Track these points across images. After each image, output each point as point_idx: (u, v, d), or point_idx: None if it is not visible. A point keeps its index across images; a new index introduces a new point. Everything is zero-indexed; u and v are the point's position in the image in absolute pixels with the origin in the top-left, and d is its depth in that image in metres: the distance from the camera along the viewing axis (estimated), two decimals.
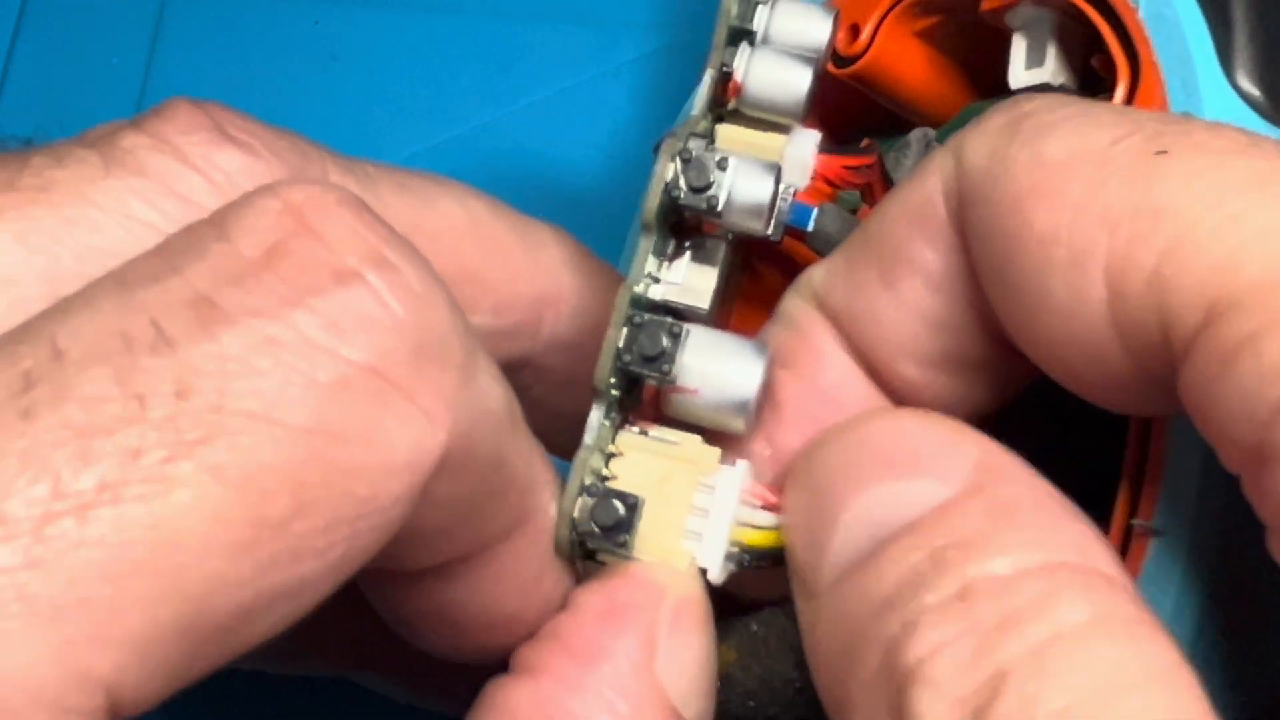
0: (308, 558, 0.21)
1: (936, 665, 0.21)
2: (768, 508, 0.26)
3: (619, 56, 0.49)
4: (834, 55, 0.34)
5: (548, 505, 0.26)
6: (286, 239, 0.22)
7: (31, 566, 0.19)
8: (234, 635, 0.21)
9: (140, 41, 0.49)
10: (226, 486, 0.20)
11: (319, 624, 0.34)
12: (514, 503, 0.26)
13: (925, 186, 0.25)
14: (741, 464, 0.26)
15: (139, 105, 0.48)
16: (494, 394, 0.24)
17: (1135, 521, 0.25)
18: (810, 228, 0.32)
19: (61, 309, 0.21)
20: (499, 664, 0.26)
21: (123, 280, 0.22)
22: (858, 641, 0.22)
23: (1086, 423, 0.26)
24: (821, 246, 0.32)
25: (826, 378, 0.27)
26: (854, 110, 0.35)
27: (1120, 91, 0.27)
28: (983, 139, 0.24)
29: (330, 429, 0.21)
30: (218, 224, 0.22)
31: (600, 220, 0.37)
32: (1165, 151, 0.22)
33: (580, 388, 0.27)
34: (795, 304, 0.27)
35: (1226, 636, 0.24)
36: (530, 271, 0.31)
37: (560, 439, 0.27)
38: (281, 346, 0.21)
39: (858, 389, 0.27)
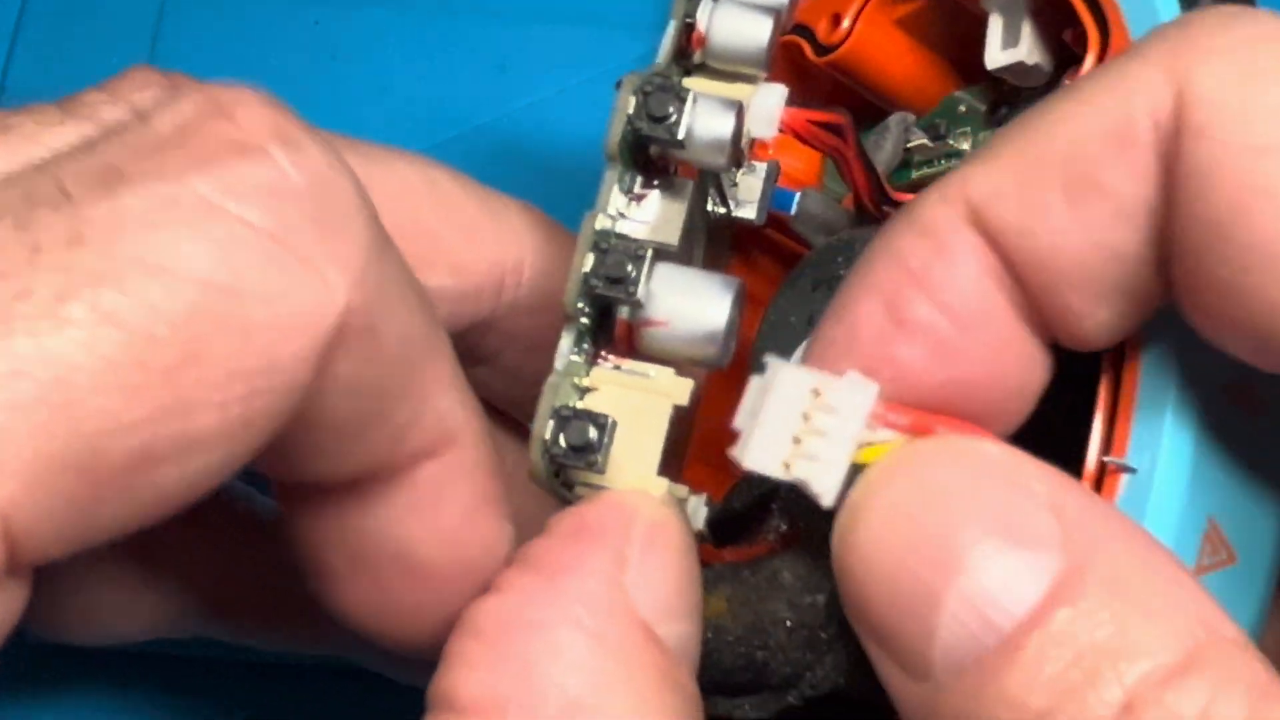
0: (203, 411, 0.22)
1: None
2: (890, 428, 0.24)
3: (619, 56, 0.49)
4: (815, 43, 0.34)
5: (472, 443, 0.26)
6: (199, 120, 0.23)
7: None
8: (132, 484, 0.21)
9: (140, 41, 0.49)
10: (117, 328, 0.21)
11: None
12: (430, 419, 0.26)
13: (1127, 105, 0.23)
14: (872, 388, 0.24)
15: None
16: (405, 286, 0.25)
17: (1108, 459, 0.24)
18: (793, 211, 0.32)
19: None
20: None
21: (48, 159, 0.23)
22: None
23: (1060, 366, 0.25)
24: (805, 230, 0.32)
25: (961, 299, 0.24)
26: (834, 103, 0.35)
27: (1089, 61, 0.27)
28: (1217, 65, 0.22)
29: (222, 283, 0.22)
30: (143, 114, 0.24)
31: None
32: None
33: (545, 352, 0.27)
34: (941, 213, 0.24)
35: None
36: (490, 234, 0.32)
37: (528, 404, 0.27)
38: (179, 205, 0.22)
39: (993, 315, 0.24)
